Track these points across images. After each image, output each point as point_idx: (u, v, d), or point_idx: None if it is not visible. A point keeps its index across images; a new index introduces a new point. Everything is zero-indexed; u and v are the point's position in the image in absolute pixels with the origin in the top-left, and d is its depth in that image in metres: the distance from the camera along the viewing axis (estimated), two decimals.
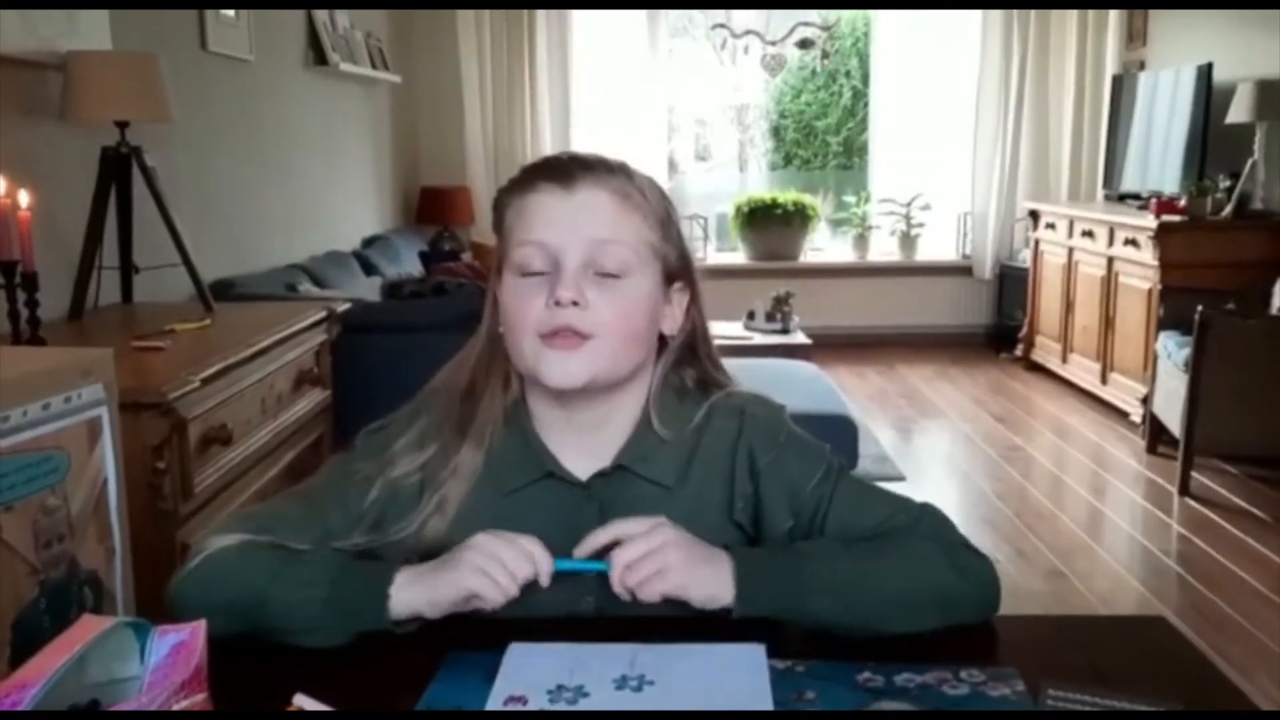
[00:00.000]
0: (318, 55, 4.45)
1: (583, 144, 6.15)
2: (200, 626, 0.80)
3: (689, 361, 1.13)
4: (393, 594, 0.95)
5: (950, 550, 1.03)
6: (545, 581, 0.95)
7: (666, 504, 1.07)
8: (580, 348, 1.00)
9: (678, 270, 1.08)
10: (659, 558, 0.95)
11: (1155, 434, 4.24)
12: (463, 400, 1.09)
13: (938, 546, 1.02)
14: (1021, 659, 0.92)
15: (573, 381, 1.01)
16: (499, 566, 0.93)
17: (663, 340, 1.10)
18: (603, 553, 0.97)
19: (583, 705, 0.86)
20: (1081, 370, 5.22)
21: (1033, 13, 6.14)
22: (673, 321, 1.09)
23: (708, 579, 0.96)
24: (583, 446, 1.08)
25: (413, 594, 0.95)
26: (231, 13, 3.58)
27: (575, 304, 0.99)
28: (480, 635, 0.95)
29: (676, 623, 0.98)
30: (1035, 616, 1.06)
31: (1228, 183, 4.58)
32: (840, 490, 1.08)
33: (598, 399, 1.06)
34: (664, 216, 1.06)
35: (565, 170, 1.02)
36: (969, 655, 0.93)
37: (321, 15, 4.50)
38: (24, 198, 1.98)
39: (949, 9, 6.18)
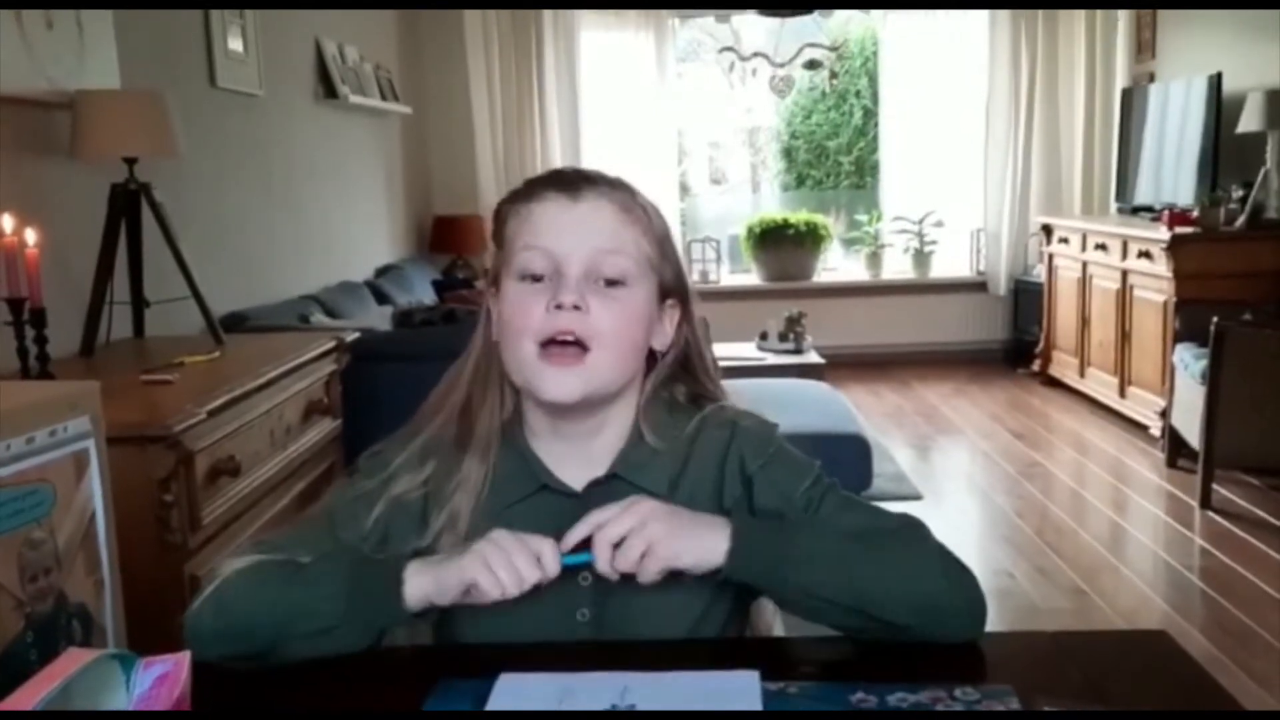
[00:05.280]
0: (327, 88, 4.49)
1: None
2: (184, 658, 0.80)
3: (681, 377, 1.14)
4: (407, 579, 0.96)
5: (943, 557, 1.02)
6: (546, 580, 0.95)
7: None
8: (578, 364, 1.02)
9: (672, 288, 1.10)
10: (643, 534, 0.95)
11: (1175, 447, 4.19)
12: (460, 415, 1.10)
13: (933, 549, 1.02)
14: (1017, 676, 0.91)
15: (569, 396, 1.02)
16: (505, 564, 0.94)
17: (652, 356, 1.11)
18: (586, 545, 0.97)
19: None
20: (1099, 384, 5.18)
21: (1040, 27, 6.14)
22: (663, 338, 1.11)
23: (697, 543, 0.97)
24: (577, 458, 1.09)
25: (424, 579, 0.96)
26: (240, 48, 3.62)
27: (577, 308, 1.01)
28: (470, 662, 0.94)
29: (669, 649, 0.97)
30: (1031, 632, 1.04)
31: (1241, 193, 4.55)
32: (829, 501, 1.09)
33: (591, 410, 1.07)
34: (663, 235, 1.09)
35: (570, 181, 1.05)
36: (964, 674, 0.92)
37: (330, 48, 4.55)
38: (31, 235, 2.01)
39: (954, 9, 6.19)
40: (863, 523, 1.06)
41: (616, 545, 0.96)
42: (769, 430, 1.12)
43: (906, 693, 0.89)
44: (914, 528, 1.06)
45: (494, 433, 1.09)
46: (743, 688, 0.91)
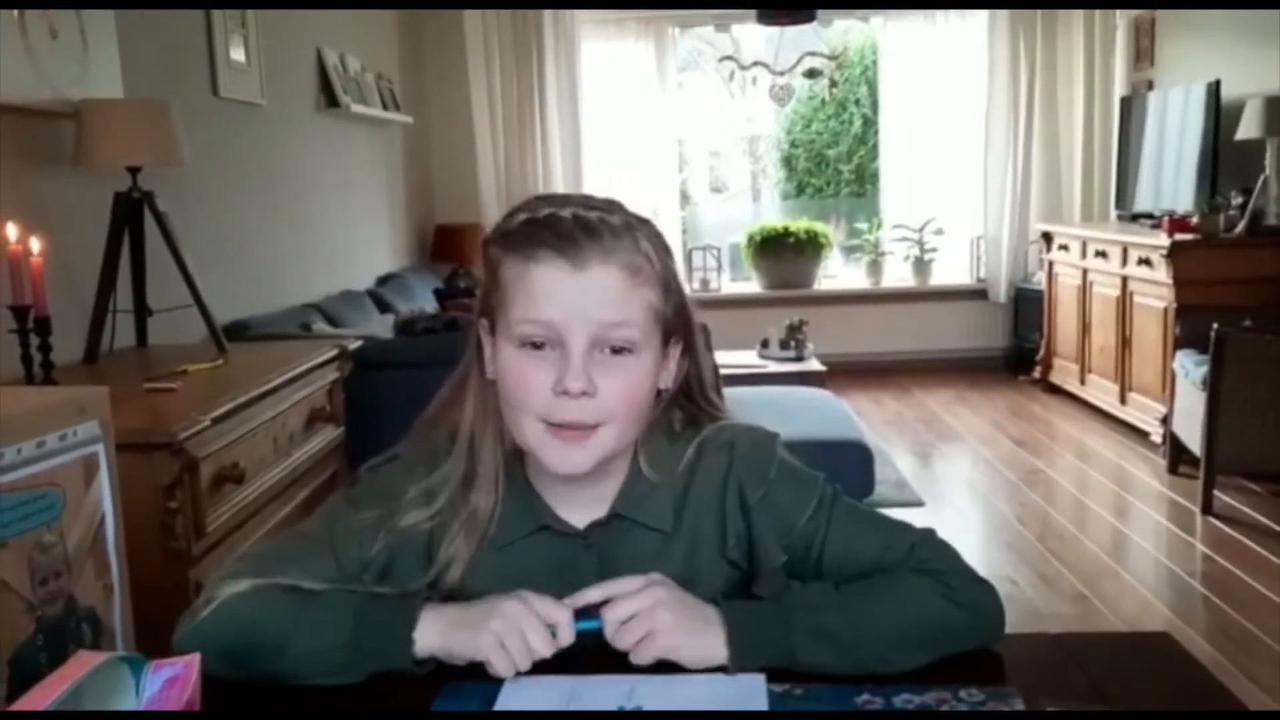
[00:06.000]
0: (329, 98, 4.51)
1: (595, 179, 6.21)
2: (194, 660, 0.81)
3: (680, 403, 1.11)
4: (416, 638, 0.94)
5: (947, 581, 1.00)
6: (561, 645, 0.94)
7: (664, 549, 1.05)
8: (588, 439, 0.98)
9: (675, 325, 1.04)
10: (649, 619, 0.94)
11: (1176, 453, 4.19)
12: (467, 451, 1.06)
13: (933, 580, 1.00)
14: (1022, 678, 0.91)
15: (578, 469, 1.00)
16: (519, 641, 0.92)
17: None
18: (597, 607, 0.97)
19: None
20: (1100, 391, 5.19)
21: (1039, 35, 6.16)
22: (668, 375, 1.06)
23: (698, 641, 0.95)
24: (579, 496, 1.06)
25: (432, 639, 0.94)
26: (242, 58, 3.64)
27: (585, 393, 0.96)
28: (477, 665, 0.94)
29: None
30: (1036, 634, 1.04)
31: (1240, 199, 4.56)
32: (835, 521, 1.06)
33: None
34: (666, 274, 1.02)
35: (572, 242, 0.96)
36: (969, 676, 0.92)
37: (332, 58, 4.57)
38: (35, 244, 2.02)
39: (952, 9, 6.21)
40: (873, 548, 1.04)
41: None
42: (768, 449, 1.08)
43: (912, 694, 0.90)
44: (924, 545, 1.04)
45: (499, 464, 1.05)
46: (749, 690, 0.92)
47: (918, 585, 0.99)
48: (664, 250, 1.02)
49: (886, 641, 0.95)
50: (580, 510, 1.06)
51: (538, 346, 0.97)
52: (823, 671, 0.94)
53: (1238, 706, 0.89)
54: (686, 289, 1.09)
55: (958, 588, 0.99)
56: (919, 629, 0.96)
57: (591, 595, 0.96)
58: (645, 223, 1.03)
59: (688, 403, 1.11)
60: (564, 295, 0.96)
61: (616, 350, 0.98)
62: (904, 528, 1.07)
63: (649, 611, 0.94)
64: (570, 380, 0.95)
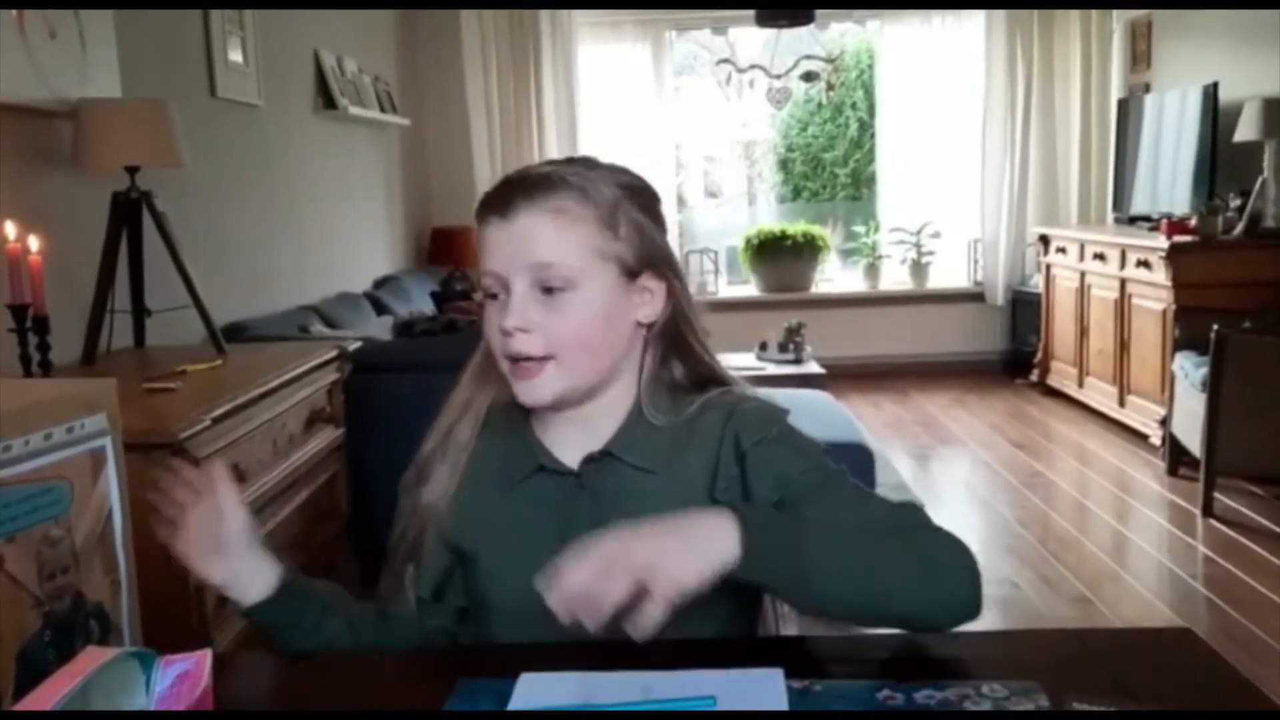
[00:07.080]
0: (326, 100, 4.49)
1: None
2: (205, 655, 0.79)
3: (676, 352, 1.14)
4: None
5: (936, 532, 1.02)
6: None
7: (654, 492, 1.08)
8: (540, 372, 1.06)
9: (641, 263, 1.08)
10: (628, 562, 0.87)
11: (1176, 456, 4.19)
12: (470, 378, 1.16)
13: (934, 533, 1.02)
14: (1045, 674, 0.90)
15: (539, 401, 1.08)
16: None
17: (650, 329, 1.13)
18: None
19: None
20: (1099, 394, 5.18)
21: (1036, 38, 6.17)
22: (651, 309, 1.11)
23: (700, 546, 0.90)
24: (578, 438, 1.11)
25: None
26: (240, 59, 3.62)
27: (523, 330, 1.04)
28: (490, 663, 0.93)
29: (691, 649, 0.96)
30: (1058, 630, 1.03)
31: (1238, 201, 4.56)
32: (831, 486, 1.07)
33: (584, 398, 1.10)
34: (610, 217, 1.06)
35: (505, 200, 1.05)
36: (991, 671, 0.91)
37: (329, 60, 4.56)
38: (34, 242, 2.00)
39: (950, 9, 6.22)
40: (869, 512, 1.06)
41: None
42: (774, 413, 1.11)
43: (934, 690, 0.88)
44: (914, 510, 1.07)
45: (483, 409, 1.14)
46: (767, 685, 0.90)
47: (914, 522, 1.03)
48: (615, 196, 1.07)
49: (886, 564, 0.96)
50: (578, 451, 1.11)
51: (494, 296, 1.07)
52: (823, 587, 0.93)
53: (1265, 703, 0.88)
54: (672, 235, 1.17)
55: (945, 539, 1.01)
56: (914, 558, 0.97)
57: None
58: (615, 171, 1.10)
59: (682, 349, 1.14)
60: (500, 245, 1.06)
61: (559, 288, 1.04)
62: (889, 501, 1.10)
63: (620, 557, 0.87)
64: (507, 320, 1.04)
